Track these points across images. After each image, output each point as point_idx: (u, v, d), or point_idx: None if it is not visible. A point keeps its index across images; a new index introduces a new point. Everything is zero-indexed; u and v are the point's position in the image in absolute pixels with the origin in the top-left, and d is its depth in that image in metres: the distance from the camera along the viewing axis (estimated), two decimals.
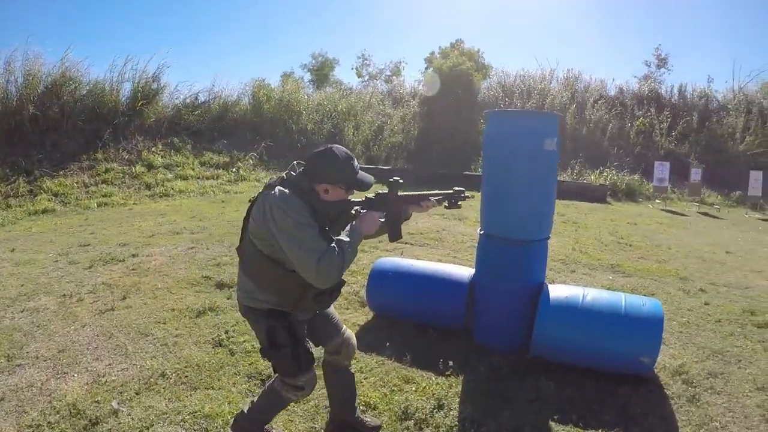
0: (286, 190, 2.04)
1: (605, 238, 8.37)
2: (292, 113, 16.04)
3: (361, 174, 2.17)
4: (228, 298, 4.81)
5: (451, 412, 3.06)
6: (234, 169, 13.44)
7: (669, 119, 17.01)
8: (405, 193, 2.35)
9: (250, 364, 3.61)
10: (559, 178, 14.13)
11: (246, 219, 2.21)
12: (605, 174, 14.66)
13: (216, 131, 15.17)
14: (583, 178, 14.58)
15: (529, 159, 3.58)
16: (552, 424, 3.08)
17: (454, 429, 2.94)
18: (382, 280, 4.13)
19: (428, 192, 2.39)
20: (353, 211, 2.23)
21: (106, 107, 13.32)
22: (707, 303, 5.45)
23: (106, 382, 3.41)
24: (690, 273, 6.63)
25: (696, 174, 13.64)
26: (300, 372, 2.27)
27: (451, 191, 2.40)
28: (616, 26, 54.49)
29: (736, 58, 52.01)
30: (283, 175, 2.17)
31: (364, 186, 2.19)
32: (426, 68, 18.49)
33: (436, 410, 3.04)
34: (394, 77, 24.29)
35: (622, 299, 3.64)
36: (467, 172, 14.17)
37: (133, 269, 5.79)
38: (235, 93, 16.66)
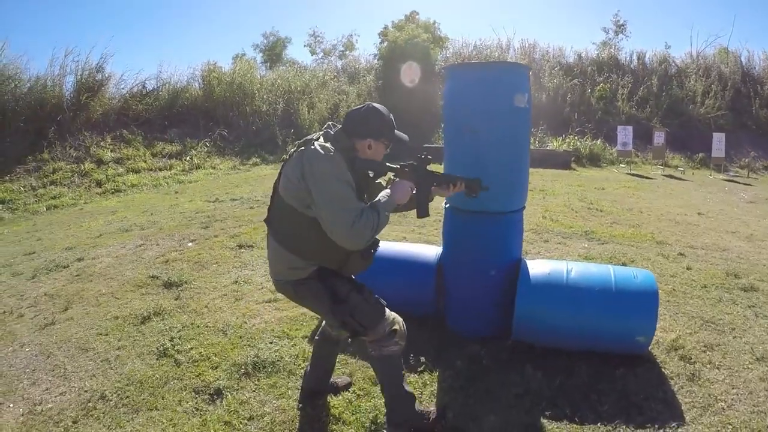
0: (327, 145, 2.07)
1: (575, 205, 8.26)
2: (245, 95, 15.67)
3: (398, 131, 2.29)
4: (176, 299, 4.41)
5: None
6: (188, 158, 13.09)
7: (630, 85, 17.27)
8: (433, 171, 2.40)
9: (197, 376, 3.21)
10: None
11: (276, 185, 2.21)
12: (568, 140, 14.77)
13: (167, 120, 14.75)
14: (546, 145, 14.61)
15: (497, 118, 3.22)
16: (545, 422, 2.82)
17: None
18: None
19: (455, 176, 2.49)
20: (384, 181, 2.34)
21: (49, 104, 12.94)
22: (689, 268, 5.36)
23: (42, 411, 2.97)
24: (666, 237, 6.59)
25: (659, 137, 13.87)
26: (383, 313, 2.31)
27: (471, 178, 2.51)
28: None
29: (694, 24, 53.57)
30: (321, 132, 2.20)
31: (404, 142, 2.33)
32: (381, 42, 18.15)
33: None
34: (348, 52, 23.91)
35: (610, 272, 3.39)
36: (427, 145, 13.99)
37: (77, 275, 5.26)
38: (184, 78, 16.41)
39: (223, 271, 4.89)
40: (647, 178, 12.23)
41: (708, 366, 3.48)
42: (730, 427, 2.90)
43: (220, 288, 4.50)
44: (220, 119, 14.75)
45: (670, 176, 12.88)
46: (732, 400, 3.13)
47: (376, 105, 2.24)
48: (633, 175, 12.60)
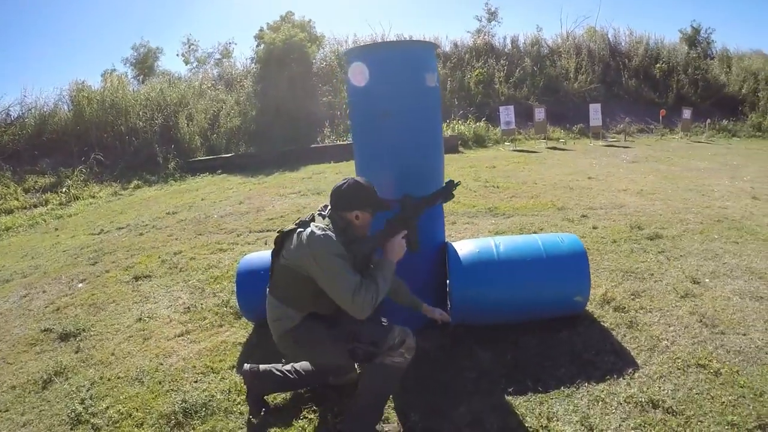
0: (322, 226, 2.30)
1: (471, 185, 8.53)
2: (118, 114, 14.32)
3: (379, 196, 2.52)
4: (76, 352, 3.80)
5: (390, 424, 2.67)
6: (64, 190, 11.52)
7: (505, 67, 18.27)
8: (413, 203, 2.62)
9: None
10: None
11: (276, 254, 2.43)
12: (452, 125, 15.27)
13: (36, 149, 13.15)
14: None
15: (411, 98, 3.17)
16: (510, 399, 2.84)
17: None
18: (252, 281, 3.49)
19: (430, 195, 2.72)
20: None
21: None
22: (595, 227, 5.75)
23: None
24: (565, 202, 7.02)
25: (540, 113, 14.80)
26: (390, 326, 2.47)
27: (444, 186, 2.78)
28: None
29: (563, 6, 58.24)
30: (313, 214, 2.44)
31: (385, 206, 2.51)
32: (257, 45, 17.63)
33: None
34: (224, 60, 22.99)
35: (537, 240, 3.52)
36: (314, 145, 13.89)
37: None
38: (51, 101, 14.78)
39: (123, 309, 4.40)
40: (533, 152, 13.00)
41: (641, 311, 3.72)
42: (680, 360, 3.11)
43: (124, 330, 4.03)
44: (95, 142, 13.38)
45: (554, 148, 13.82)
46: (672, 337, 3.38)
47: (357, 178, 2.49)
48: (519, 151, 13.33)
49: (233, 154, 13.76)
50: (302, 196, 8.51)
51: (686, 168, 10.01)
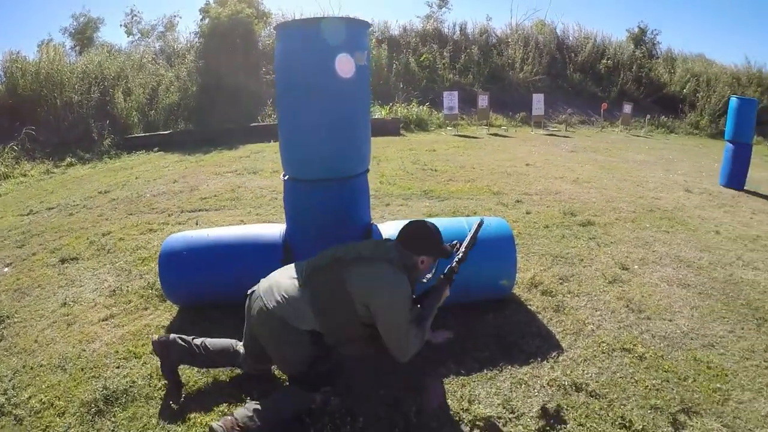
0: (398, 264, 2.32)
1: (409, 167, 8.45)
2: (54, 87, 13.30)
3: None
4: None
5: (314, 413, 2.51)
6: None
7: (451, 53, 18.32)
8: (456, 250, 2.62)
9: (43, 430, 2.53)
10: None
11: (336, 259, 2.37)
12: (395, 108, 15.15)
13: None
14: (374, 114, 14.91)
15: (337, 76, 3.01)
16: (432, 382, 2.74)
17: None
18: (175, 262, 3.41)
19: (470, 239, 2.64)
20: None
21: None
22: (528, 212, 5.75)
23: None
24: (501, 188, 7.02)
25: (483, 100, 14.89)
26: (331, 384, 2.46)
27: (477, 225, 2.71)
28: None
29: None
30: (383, 245, 2.43)
31: (447, 254, 2.52)
32: (202, 19, 16.80)
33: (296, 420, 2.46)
34: (168, 33, 21.89)
35: (464, 223, 3.44)
36: (255, 124, 13.47)
37: None
38: None
39: (48, 294, 4.05)
40: (474, 137, 13.05)
41: (568, 296, 3.69)
42: (605, 344, 3.08)
43: (48, 315, 3.70)
44: (28, 118, 12.45)
45: (495, 134, 13.94)
46: (598, 321, 3.36)
47: (427, 222, 2.53)
48: (461, 136, 13.37)
49: (171, 131, 13.20)
50: (238, 175, 8.19)
51: (623, 159, 10.27)
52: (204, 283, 3.40)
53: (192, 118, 14.15)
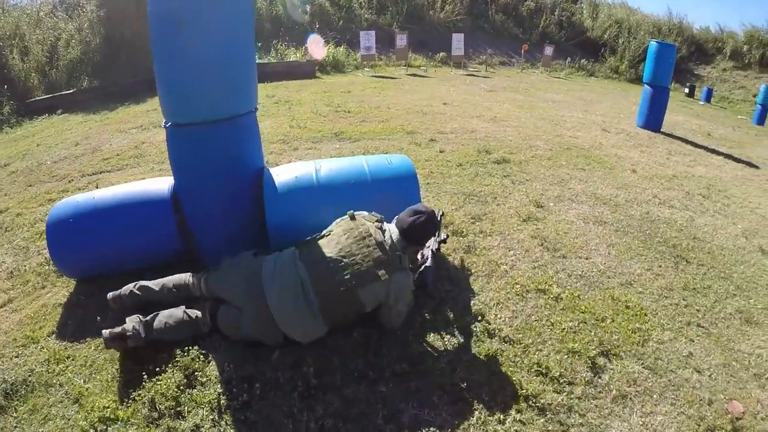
0: (406, 272, 2.44)
1: (322, 110, 7.99)
2: None
3: None
4: None
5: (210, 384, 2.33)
6: None
7: None
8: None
9: None
10: (263, 61, 13.54)
11: (348, 288, 2.35)
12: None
13: None
14: (288, 57, 14.16)
15: (212, 6, 2.67)
16: (330, 339, 2.49)
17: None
18: (63, 232, 3.12)
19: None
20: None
21: None
22: (442, 150, 5.48)
23: None
24: (415, 127, 6.72)
25: (401, 40, 14.49)
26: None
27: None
28: None
29: None
30: (391, 253, 2.42)
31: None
32: None
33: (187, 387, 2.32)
34: None
35: (363, 163, 3.15)
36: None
37: None
38: None
39: None
40: (392, 78, 12.68)
41: (480, 235, 3.46)
42: (518, 285, 2.87)
43: None
44: None
45: (414, 75, 13.59)
46: (512, 261, 3.15)
47: (429, 213, 2.52)
48: (378, 77, 12.94)
49: (75, 89, 12.01)
50: (144, 130, 7.42)
51: (542, 99, 10.21)
52: (96, 251, 3.14)
53: (97, 73, 12.96)
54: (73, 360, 2.58)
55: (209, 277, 2.64)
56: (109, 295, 2.72)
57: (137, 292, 2.72)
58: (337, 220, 2.59)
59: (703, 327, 2.76)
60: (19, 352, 2.74)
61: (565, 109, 9.22)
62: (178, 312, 2.53)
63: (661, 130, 8.12)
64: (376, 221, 2.54)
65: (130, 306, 2.70)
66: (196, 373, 2.34)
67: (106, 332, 2.41)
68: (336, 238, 2.47)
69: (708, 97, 15.26)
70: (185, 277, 2.73)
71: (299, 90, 10.36)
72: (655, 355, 2.46)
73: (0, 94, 11.05)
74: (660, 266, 3.27)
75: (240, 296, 2.46)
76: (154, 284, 2.75)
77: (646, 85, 8.31)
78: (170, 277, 2.78)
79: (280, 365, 2.36)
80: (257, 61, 13.62)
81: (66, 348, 2.63)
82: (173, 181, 3.21)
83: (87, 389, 2.38)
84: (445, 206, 3.85)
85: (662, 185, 5.02)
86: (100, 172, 5.50)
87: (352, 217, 2.54)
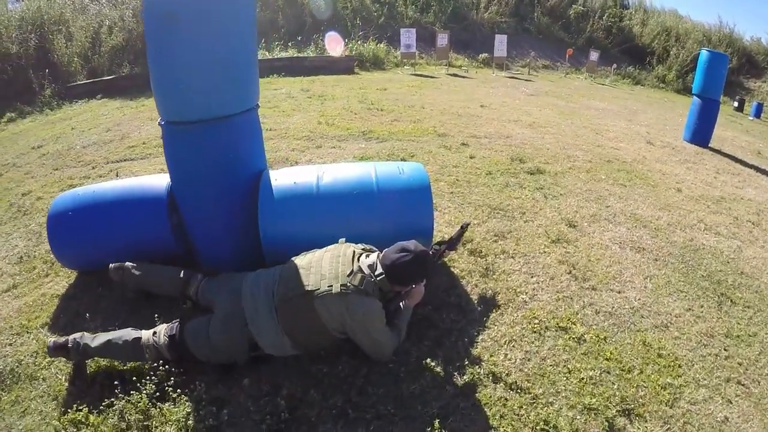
0: (368, 296, 2.17)
1: (354, 107, 7.71)
2: None
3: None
4: None
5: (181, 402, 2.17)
6: None
7: None
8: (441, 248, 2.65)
9: None
10: (302, 55, 13.40)
11: (305, 293, 2.20)
12: (350, 45, 14.21)
13: None
14: (328, 52, 13.99)
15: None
16: (312, 368, 2.27)
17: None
18: (64, 225, 3.06)
19: (448, 241, 2.68)
20: None
21: None
22: (473, 156, 5.11)
23: None
24: (448, 129, 6.35)
25: (443, 39, 14.16)
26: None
27: (459, 230, 2.72)
28: None
29: None
30: (356, 273, 2.21)
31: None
32: None
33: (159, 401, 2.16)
34: None
35: (371, 171, 2.84)
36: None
37: None
38: None
39: None
40: (431, 77, 12.32)
41: (502, 256, 3.10)
42: (536, 321, 2.53)
43: None
44: None
45: (455, 75, 13.20)
46: (533, 290, 2.79)
47: (421, 252, 2.24)
48: (417, 75, 12.62)
49: (116, 76, 12.12)
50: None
51: (585, 106, 9.69)
52: (92, 245, 3.07)
53: (138, 61, 13.04)
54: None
55: (206, 283, 2.58)
56: (111, 266, 2.74)
57: (136, 272, 2.73)
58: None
59: (743, 385, 2.36)
60: (13, 341, 2.69)
61: (608, 118, 8.70)
62: (121, 332, 2.40)
63: (709, 145, 7.57)
64: (363, 250, 2.36)
65: (132, 284, 2.75)
66: (168, 388, 2.14)
67: (50, 341, 2.39)
68: (317, 253, 2.35)
69: (758, 113, 14.35)
70: (178, 272, 2.69)
71: (335, 85, 10.14)
72: (685, 419, 2.09)
73: (42, 77, 11.19)
74: (702, 306, 2.87)
75: (220, 296, 2.39)
76: (153, 268, 2.76)
77: (694, 97, 7.72)
78: (173, 267, 2.75)
79: (254, 392, 2.12)
80: (297, 55, 13.51)
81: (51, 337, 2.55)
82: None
83: (66, 388, 2.32)
84: (466, 220, 3.51)
85: (709, 208, 4.56)
86: (124, 160, 5.39)
87: (342, 243, 2.36)
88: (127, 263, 2.75)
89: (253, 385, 2.16)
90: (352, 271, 2.19)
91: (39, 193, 4.58)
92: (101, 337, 2.39)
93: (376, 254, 2.29)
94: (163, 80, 2.64)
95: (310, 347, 2.31)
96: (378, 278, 2.19)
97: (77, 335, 2.39)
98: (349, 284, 2.15)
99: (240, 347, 2.23)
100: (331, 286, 2.16)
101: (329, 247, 2.36)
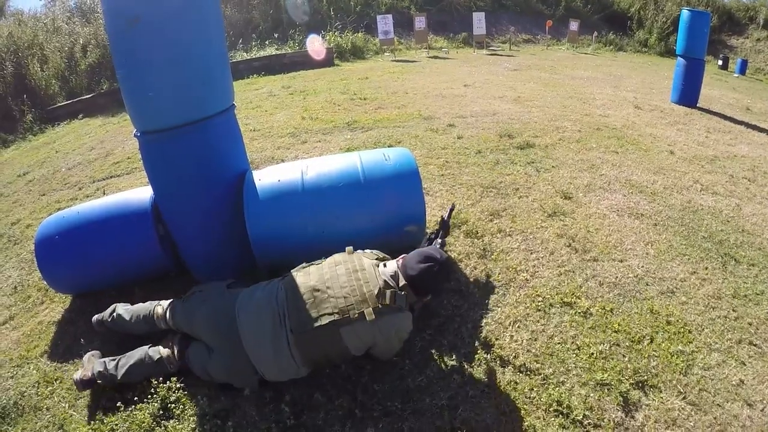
0: (401, 311, 2.03)
1: (337, 99, 7.60)
2: None
3: None
4: None
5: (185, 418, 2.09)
6: None
7: None
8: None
9: None
10: (280, 52, 13.22)
11: (329, 324, 1.98)
12: (328, 37, 14.03)
13: None
14: (306, 46, 13.82)
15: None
16: None
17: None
18: (52, 249, 2.97)
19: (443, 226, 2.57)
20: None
21: None
22: (460, 137, 5.04)
23: None
24: (433, 112, 6.28)
25: (420, 22, 14.08)
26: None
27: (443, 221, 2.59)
28: None
29: None
30: (384, 291, 2.02)
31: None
32: None
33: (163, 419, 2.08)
34: None
35: (356, 160, 2.75)
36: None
37: None
38: None
39: None
40: (412, 61, 12.20)
41: (498, 236, 3.03)
42: (540, 298, 2.46)
43: None
44: None
45: (435, 57, 13.10)
46: (534, 267, 2.72)
47: (444, 262, 2.09)
48: (398, 61, 12.48)
49: (94, 93, 11.92)
50: None
51: (569, 77, 9.61)
52: (81, 268, 2.98)
53: (116, 76, 12.79)
54: (60, 382, 2.44)
55: (176, 310, 2.35)
56: (93, 319, 2.61)
57: (112, 320, 2.56)
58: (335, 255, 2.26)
59: (755, 345, 2.29)
60: (14, 373, 2.63)
61: (594, 86, 8.62)
62: (139, 353, 2.29)
63: (698, 105, 7.49)
64: (377, 258, 2.20)
65: (113, 330, 2.58)
66: (170, 406, 2.06)
67: (77, 377, 2.29)
68: (325, 267, 2.14)
69: (743, 69, 14.31)
70: (151, 307, 2.48)
71: (316, 79, 10.03)
72: (700, 386, 2.02)
73: (22, 103, 10.99)
74: (706, 268, 2.80)
75: (210, 333, 2.16)
76: (127, 312, 2.53)
77: (679, 58, 7.61)
78: (141, 305, 2.54)
79: (257, 400, 2.05)
80: (276, 53, 13.33)
81: (56, 369, 2.51)
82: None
83: (71, 416, 2.25)
84: (459, 201, 3.43)
85: (703, 168, 4.49)
86: (110, 177, 5.29)
87: (350, 252, 2.19)
88: (105, 314, 2.61)
89: (256, 394, 2.08)
90: (380, 289, 2.01)
91: (28, 220, 4.51)
92: (122, 367, 2.29)
93: (393, 263, 2.14)
94: (134, 90, 2.54)
95: (322, 366, 2.15)
96: (403, 291, 2.05)
97: (99, 366, 2.30)
98: (380, 305, 1.98)
99: (248, 379, 2.08)
100: (362, 312, 1.97)
101: (336, 257, 2.19)
